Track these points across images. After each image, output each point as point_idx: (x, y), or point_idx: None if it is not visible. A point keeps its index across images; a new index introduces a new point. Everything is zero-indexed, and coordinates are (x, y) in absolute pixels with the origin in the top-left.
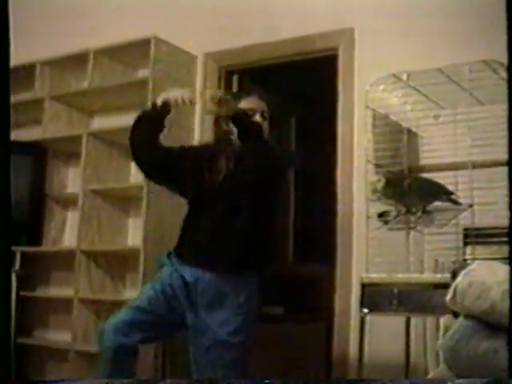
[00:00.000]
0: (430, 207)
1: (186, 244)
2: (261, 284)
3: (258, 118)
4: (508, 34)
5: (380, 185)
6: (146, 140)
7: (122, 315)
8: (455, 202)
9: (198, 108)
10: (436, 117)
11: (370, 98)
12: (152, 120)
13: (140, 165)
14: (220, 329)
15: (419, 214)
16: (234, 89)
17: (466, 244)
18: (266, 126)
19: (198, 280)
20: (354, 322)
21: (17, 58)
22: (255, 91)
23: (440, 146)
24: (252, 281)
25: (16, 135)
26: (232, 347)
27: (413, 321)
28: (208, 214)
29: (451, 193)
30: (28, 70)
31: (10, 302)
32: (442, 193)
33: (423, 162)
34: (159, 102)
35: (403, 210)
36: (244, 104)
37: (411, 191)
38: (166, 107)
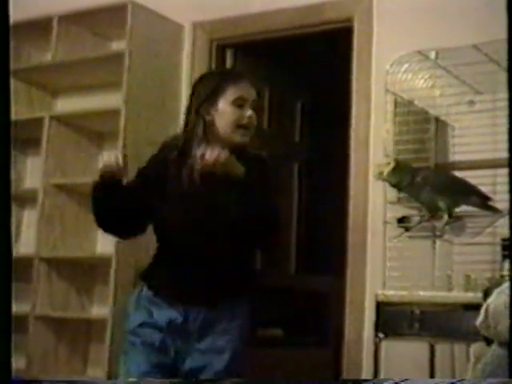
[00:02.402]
0: (460, 212)
1: (161, 275)
2: (260, 303)
3: (248, 111)
4: (508, 33)
5: (387, 169)
6: (109, 207)
7: None
8: (490, 208)
9: (184, 88)
10: (471, 103)
11: (390, 80)
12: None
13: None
14: (216, 358)
15: (445, 218)
16: (228, 66)
17: (504, 257)
18: (255, 118)
19: (184, 314)
20: (368, 349)
21: None
22: (246, 76)
23: (475, 138)
24: (241, 302)
25: None
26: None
27: (438, 348)
28: (187, 241)
29: (485, 196)
30: None
31: (10, 301)
32: (472, 193)
33: (454, 157)
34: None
35: (428, 215)
36: (231, 93)
37: (422, 184)
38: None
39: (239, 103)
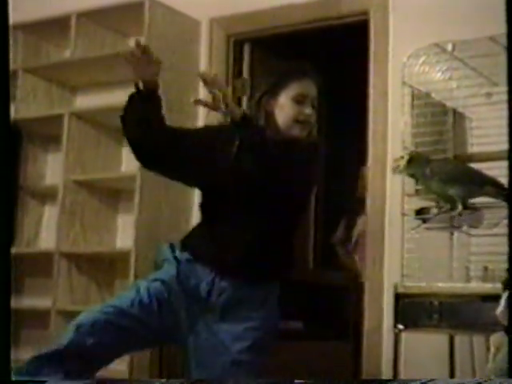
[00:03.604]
0: (477, 203)
1: (201, 236)
2: (281, 295)
3: (308, 107)
4: (508, 32)
5: (402, 162)
6: (142, 117)
7: (93, 314)
8: (506, 197)
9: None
10: (488, 95)
11: (407, 72)
12: (145, 96)
13: (136, 149)
14: (233, 345)
15: (459, 209)
16: (245, 61)
17: None
18: (314, 118)
19: (212, 286)
20: (387, 340)
21: None
22: (309, 73)
23: (493, 130)
24: (274, 290)
25: None
26: (242, 367)
27: (457, 339)
28: (229, 208)
29: (501, 186)
30: None
31: (10, 300)
32: (486, 184)
33: (472, 149)
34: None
35: (446, 206)
36: (293, 89)
37: (432, 175)
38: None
39: (299, 99)
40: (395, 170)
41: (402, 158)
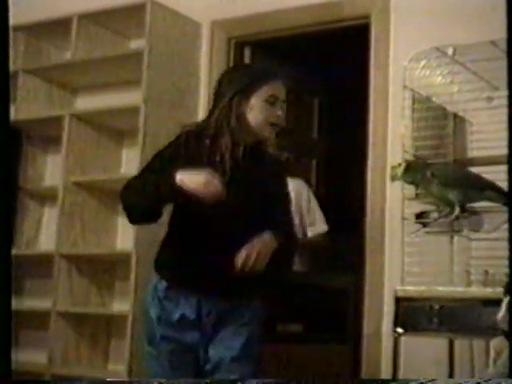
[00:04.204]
0: (477, 207)
1: (177, 260)
2: (280, 297)
3: (279, 109)
4: (508, 32)
5: (400, 170)
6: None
7: None
8: (506, 202)
9: (202, 86)
10: (488, 99)
11: (408, 76)
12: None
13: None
14: (231, 342)
15: (456, 212)
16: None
17: None
18: (283, 117)
19: (199, 309)
20: (387, 344)
21: None
22: (279, 76)
23: (493, 134)
24: (257, 300)
25: None
26: (235, 372)
27: (457, 343)
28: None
29: (500, 190)
30: None
31: (10, 299)
32: (486, 188)
33: (472, 153)
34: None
35: (446, 210)
36: (265, 90)
37: (431, 178)
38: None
39: (271, 101)
40: (393, 177)
41: (400, 165)
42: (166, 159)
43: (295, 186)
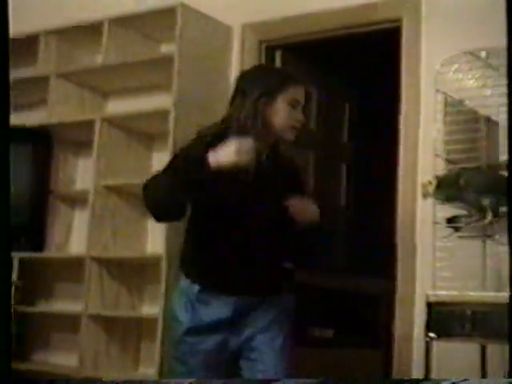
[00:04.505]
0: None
1: (207, 262)
2: (312, 302)
3: (300, 113)
4: (508, 33)
5: (431, 187)
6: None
7: None
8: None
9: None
10: None
11: (440, 79)
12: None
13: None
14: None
15: (489, 218)
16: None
17: None
18: (303, 120)
19: (234, 309)
20: (418, 349)
21: (17, 26)
22: (301, 81)
23: None
24: (289, 298)
25: (14, 119)
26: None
27: (490, 349)
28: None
29: None
30: (30, 42)
31: (10, 300)
32: None
33: (505, 157)
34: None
35: (478, 214)
36: (290, 93)
37: (465, 186)
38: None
39: (294, 104)
40: (425, 195)
41: (430, 183)
42: (190, 154)
43: None
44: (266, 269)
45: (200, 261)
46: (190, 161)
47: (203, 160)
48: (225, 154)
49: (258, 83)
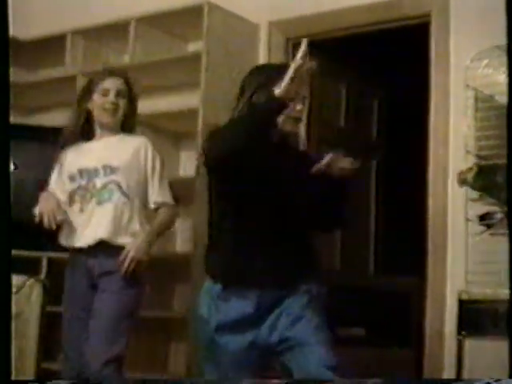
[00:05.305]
0: None
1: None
2: (343, 301)
3: (299, 105)
4: (508, 33)
5: (471, 175)
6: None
7: None
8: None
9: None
10: None
11: (470, 75)
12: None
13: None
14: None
15: None
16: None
17: None
18: (304, 111)
19: (258, 305)
20: (450, 347)
21: (44, 26)
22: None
23: None
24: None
25: (42, 119)
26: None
27: None
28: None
29: None
30: (57, 41)
31: (10, 300)
32: None
33: None
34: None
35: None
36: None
37: (503, 184)
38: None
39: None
40: (463, 181)
41: (471, 169)
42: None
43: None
44: (287, 260)
45: (221, 260)
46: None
47: (270, 94)
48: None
49: (253, 81)
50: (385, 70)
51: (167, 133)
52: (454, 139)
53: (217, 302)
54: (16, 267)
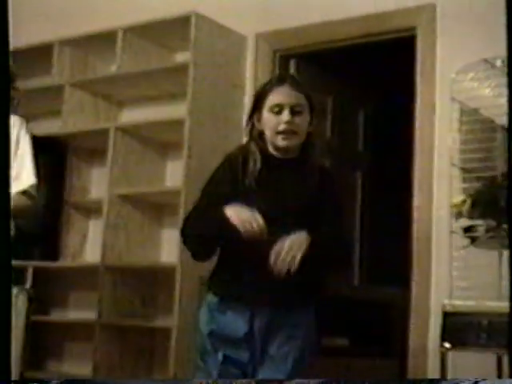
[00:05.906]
0: None
1: (229, 276)
2: (327, 311)
3: (285, 115)
4: (508, 34)
5: (466, 207)
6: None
7: None
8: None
9: (247, 99)
10: None
11: (455, 88)
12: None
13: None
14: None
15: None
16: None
17: None
18: (299, 121)
19: (252, 322)
20: (433, 359)
21: (31, 35)
22: (287, 81)
23: None
24: (309, 313)
25: (29, 128)
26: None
27: (506, 360)
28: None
29: None
30: (44, 51)
31: (10, 300)
32: None
33: None
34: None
35: (494, 224)
36: (270, 100)
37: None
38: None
39: (276, 110)
40: (458, 216)
41: (464, 201)
42: (214, 193)
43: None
44: (283, 281)
45: (222, 277)
46: (207, 222)
47: (219, 214)
48: (238, 217)
49: (253, 100)
50: (371, 82)
51: (154, 143)
52: (439, 152)
53: (214, 315)
54: None
